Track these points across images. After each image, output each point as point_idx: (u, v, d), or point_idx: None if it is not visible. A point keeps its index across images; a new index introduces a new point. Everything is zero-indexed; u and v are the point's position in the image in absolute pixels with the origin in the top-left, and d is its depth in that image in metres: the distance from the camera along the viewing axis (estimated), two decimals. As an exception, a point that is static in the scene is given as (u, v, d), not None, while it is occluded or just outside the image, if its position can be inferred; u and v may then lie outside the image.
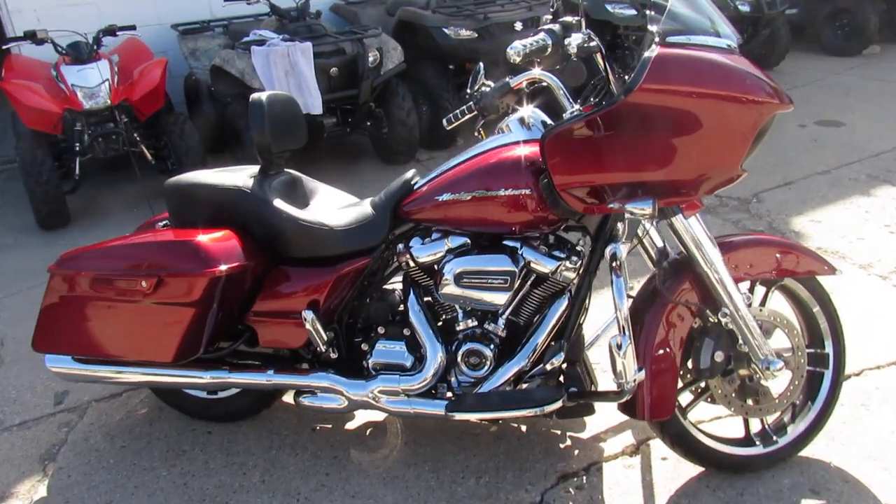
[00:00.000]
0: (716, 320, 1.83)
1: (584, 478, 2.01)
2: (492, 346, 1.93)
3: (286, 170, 2.23)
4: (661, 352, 1.80)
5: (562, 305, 1.91)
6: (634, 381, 1.71)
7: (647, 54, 1.56)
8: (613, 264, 1.75)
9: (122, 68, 4.48)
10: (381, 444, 2.20)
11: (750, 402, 1.90)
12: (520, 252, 1.88)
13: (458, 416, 1.87)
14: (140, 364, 2.07)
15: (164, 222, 2.17)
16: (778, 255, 1.87)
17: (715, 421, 2.13)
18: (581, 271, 1.90)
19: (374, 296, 2.09)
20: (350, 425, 2.30)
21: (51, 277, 2.00)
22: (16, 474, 2.22)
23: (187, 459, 2.21)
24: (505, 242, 1.90)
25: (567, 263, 1.87)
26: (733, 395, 1.89)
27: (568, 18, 1.68)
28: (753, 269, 1.86)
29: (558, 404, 1.81)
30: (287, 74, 4.05)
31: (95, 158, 4.26)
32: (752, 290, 1.94)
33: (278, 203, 2.00)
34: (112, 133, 4.13)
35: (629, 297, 1.90)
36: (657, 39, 1.56)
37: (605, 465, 2.05)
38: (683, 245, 1.80)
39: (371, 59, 4.50)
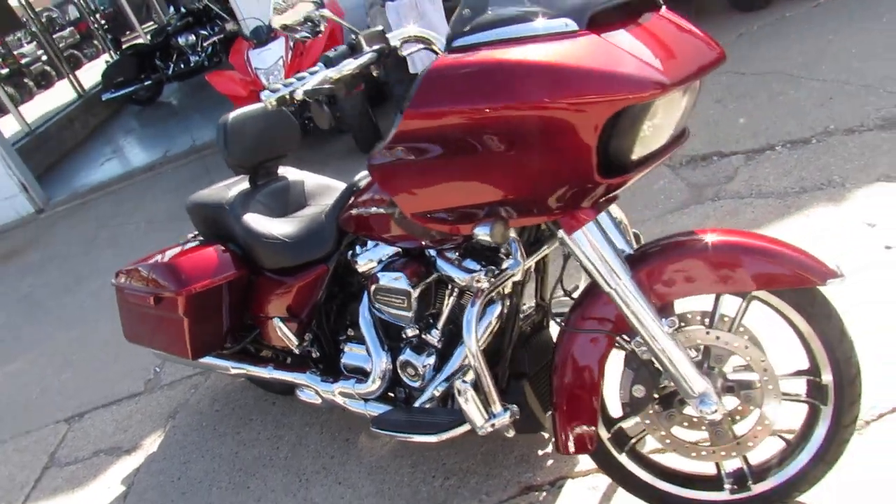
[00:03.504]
0: (631, 350, 1.50)
1: (544, 494, 1.86)
2: (428, 356, 1.86)
3: (285, 174, 2.35)
4: (570, 383, 1.55)
5: (490, 316, 1.74)
6: (493, 425, 1.52)
7: (425, 68, 1.29)
8: (469, 292, 1.54)
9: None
10: (387, 431, 2.30)
11: (703, 441, 1.54)
12: (435, 263, 1.76)
13: (377, 433, 1.87)
14: None
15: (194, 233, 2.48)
16: (729, 262, 1.42)
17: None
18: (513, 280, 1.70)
19: (354, 297, 2.15)
20: (373, 408, 2.43)
21: (115, 288, 2.47)
22: (149, 429, 2.85)
23: (248, 429, 2.59)
24: (428, 252, 1.79)
25: (481, 275, 1.69)
26: (673, 432, 1.55)
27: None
28: (698, 282, 1.45)
29: (455, 431, 1.69)
30: (417, 25, 4.03)
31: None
32: (715, 303, 1.53)
33: (248, 218, 2.15)
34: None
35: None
36: (440, 47, 1.28)
37: (570, 482, 1.87)
38: (580, 264, 1.49)
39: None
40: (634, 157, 1.33)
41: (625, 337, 1.51)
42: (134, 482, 2.56)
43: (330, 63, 1.37)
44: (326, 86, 1.34)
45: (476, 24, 1.26)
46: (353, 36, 1.39)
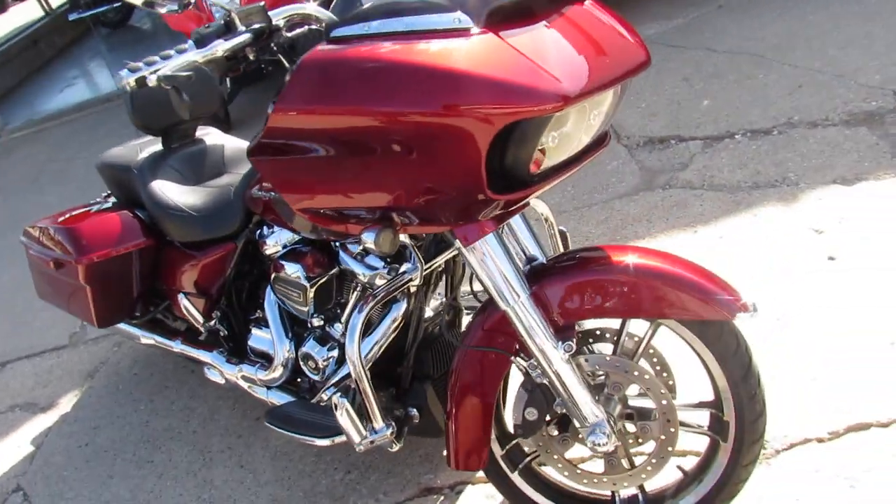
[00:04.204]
0: (525, 371, 1.41)
1: (442, 498, 1.80)
2: (329, 350, 1.75)
3: (204, 137, 2.19)
4: (463, 400, 1.46)
5: (393, 314, 1.63)
6: (372, 442, 1.43)
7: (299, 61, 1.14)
8: (367, 291, 1.43)
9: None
10: (299, 413, 2.22)
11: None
12: (338, 255, 1.64)
13: (269, 426, 1.78)
14: None
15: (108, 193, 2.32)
16: (634, 286, 1.31)
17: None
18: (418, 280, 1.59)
19: (266, 277, 2.03)
20: (289, 386, 2.34)
21: (24, 245, 2.33)
22: (68, 387, 2.75)
23: (162, 397, 2.50)
24: (332, 243, 1.67)
25: (384, 273, 1.57)
26: (567, 456, 1.47)
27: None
28: (601, 305, 1.34)
29: (329, 441, 1.60)
30: None
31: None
32: (622, 326, 1.43)
33: (156, 185, 2.00)
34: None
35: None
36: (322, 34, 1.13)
37: (470, 487, 1.80)
38: (477, 278, 1.38)
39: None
40: (538, 170, 1.21)
41: (521, 357, 1.41)
42: (44, 443, 2.48)
43: (201, 42, 1.22)
44: (184, 73, 1.19)
45: (358, 12, 1.11)
46: (227, 13, 1.23)
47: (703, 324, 1.33)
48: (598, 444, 1.35)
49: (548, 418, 1.45)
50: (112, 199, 2.24)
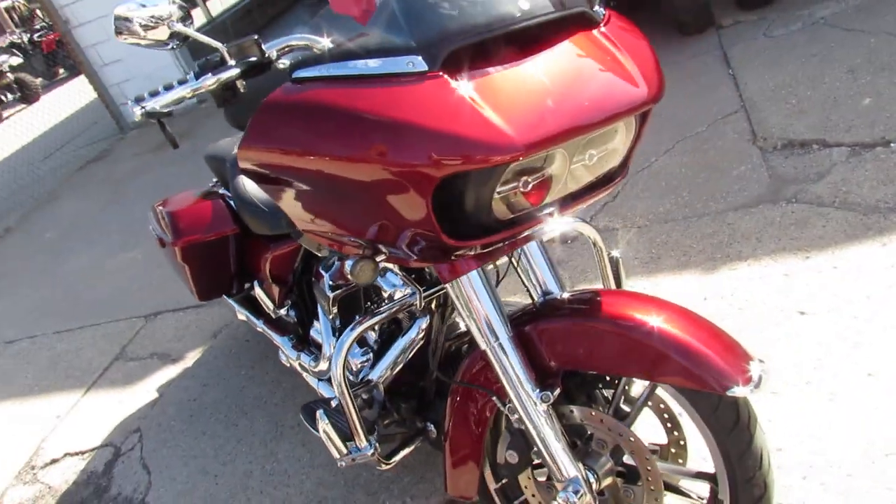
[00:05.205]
0: (505, 412, 1.35)
1: (461, 514, 1.80)
2: (363, 354, 1.81)
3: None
4: (455, 433, 1.46)
5: (417, 327, 1.65)
6: (353, 460, 1.45)
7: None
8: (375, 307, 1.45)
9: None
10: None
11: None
12: None
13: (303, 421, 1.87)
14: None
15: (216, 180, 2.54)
16: (622, 341, 1.21)
17: None
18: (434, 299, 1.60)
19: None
20: (362, 373, 2.44)
21: (151, 219, 2.63)
22: (196, 342, 3.10)
23: (261, 366, 2.73)
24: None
25: (403, 290, 1.59)
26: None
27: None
28: (587, 356, 1.25)
29: None
30: None
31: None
32: (619, 382, 1.33)
33: (242, 178, 2.15)
34: None
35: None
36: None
37: (489, 508, 1.78)
38: (459, 314, 1.34)
39: None
40: (511, 215, 1.14)
41: (503, 399, 1.36)
42: (165, 392, 2.83)
43: (201, 72, 1.28)
44: (167, 109, 1.27)
45: (318, 54, 1.11)
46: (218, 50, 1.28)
47: (697, 392, 1.19)
48: (573, 502, 1.27)
49: (535, 461, 1.40)
50: (216, 188, 2.46)
